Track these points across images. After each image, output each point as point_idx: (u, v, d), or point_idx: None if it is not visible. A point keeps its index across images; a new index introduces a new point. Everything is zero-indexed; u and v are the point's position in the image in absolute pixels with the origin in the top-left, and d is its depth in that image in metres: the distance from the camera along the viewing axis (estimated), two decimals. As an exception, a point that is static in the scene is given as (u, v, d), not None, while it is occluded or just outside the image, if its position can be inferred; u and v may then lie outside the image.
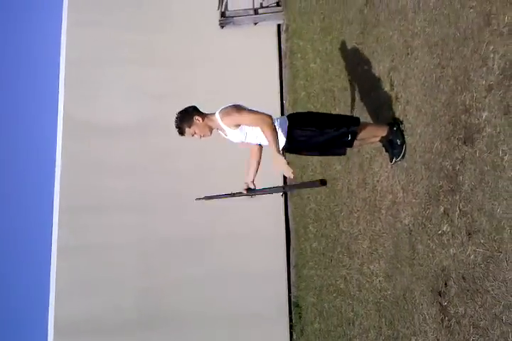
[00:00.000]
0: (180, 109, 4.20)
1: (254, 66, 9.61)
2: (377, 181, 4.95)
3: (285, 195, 8.92)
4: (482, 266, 3.17)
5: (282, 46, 9.86)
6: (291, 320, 8.58)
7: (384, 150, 4.59)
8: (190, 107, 4.22)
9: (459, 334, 3.39)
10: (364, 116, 5.38)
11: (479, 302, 3.17)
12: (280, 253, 8.91)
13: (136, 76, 9.33)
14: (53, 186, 8.80)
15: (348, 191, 5.79)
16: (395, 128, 4.33)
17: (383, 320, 4.66)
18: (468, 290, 3.30)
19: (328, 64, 6.92)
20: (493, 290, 3.06)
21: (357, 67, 5.73)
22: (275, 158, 3.70)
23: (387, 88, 4.82)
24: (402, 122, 4.32)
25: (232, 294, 8.61)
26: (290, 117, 4.13)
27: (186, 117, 4.16)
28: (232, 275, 8.61)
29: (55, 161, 8.90)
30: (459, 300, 3.39)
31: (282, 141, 3.98)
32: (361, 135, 4.15)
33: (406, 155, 4.32)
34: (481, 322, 3.14)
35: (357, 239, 5.42)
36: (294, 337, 8.41)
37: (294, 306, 8.43)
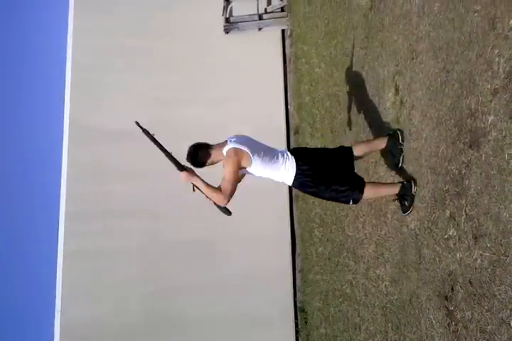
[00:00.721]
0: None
1: (259, 71, 9.64)
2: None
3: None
4: (489, 270, 3.15)
5: (287, 51, 9.89)
6: (296, 325, 8.56)
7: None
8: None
9: (465, 339, 3.37)
10: (368, 122, 5.39)
11: (486, 307, 3.16)
12: (285, 257, 8.90)
13: (142, 81, 9.38)
14: (59, 191, 8.84)
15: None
16: (405, 183, 4.26)
17: (389, 324, 4.64)
18: (475, 295, 3.28)
19: (332, 68, 6.94)
20: (500, 294, 3.04)
21: (361, 71, 5.74)
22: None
23: (392, 92, 4.83)
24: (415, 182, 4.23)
25: (237, 299, 8.60)
26: (299, 166, 4.01)
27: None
28: (237, 280, 8.60)
29: (61, 166, 8.94)
30: (466, 305, 3.38)
31: (290, 180, 4.04)
32: (371, 196, 4.28)
33: (412, 160, 4.32)
34: (488, 327, 3.13)
35: (363, 244, 5.41)
36: (300, 342, 8.39)
37: (299, 311, 8.40)
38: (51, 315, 8.45)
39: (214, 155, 4.03)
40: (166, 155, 4.12)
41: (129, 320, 8.44)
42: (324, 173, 4.00)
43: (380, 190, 4.26)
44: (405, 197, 4.22)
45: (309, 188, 4.07)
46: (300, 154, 4.08)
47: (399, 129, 4.47)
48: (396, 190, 4.24)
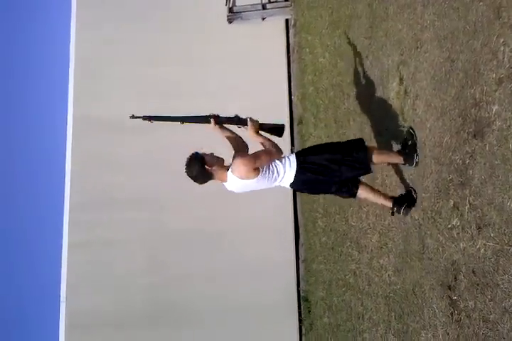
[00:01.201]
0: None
1: (262, 61, 9.62)
2: (387, 175, 4.95)
3: None
4: (492, 259, 3.16)
5: (290, 41, 9.85)
6: (300, 314, 8.62)
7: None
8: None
9: (468, 328, 3.39)
10: (372, 112, 5.38)
11: (489, 296, 3.17)
12: (289, 247, 8.93)
13: (145, 73, 9.37)
14: (64, 182, 8.88)
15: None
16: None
17: (393, 314, 4.67)
18: (478, 284, 3.29)
19: (336, 58, 6.91)
20: (503, 284, 3.05)
21: (366, 61, 5.71)
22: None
23: (396, 82, 4.81)
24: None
25: (241, 288, 8.65)
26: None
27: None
28: (241, 270, 8.65)
29: (65, 158, 8.97)
30: (469, 294, 3.39)
31: (289, 181, 3.97)
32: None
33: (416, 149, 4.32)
34: (491, 316, 3.14)
35: (366, 234, 5.43)
36: (303, 331, 8.44)
37: (303, 300, 8.45)
38: (56, 305, 8.54)
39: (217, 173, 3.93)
40: (184, 121, 4.26)
41: (133, 310, 8.51)
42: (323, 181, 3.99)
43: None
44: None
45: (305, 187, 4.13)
46: (304, 154, 4.08)
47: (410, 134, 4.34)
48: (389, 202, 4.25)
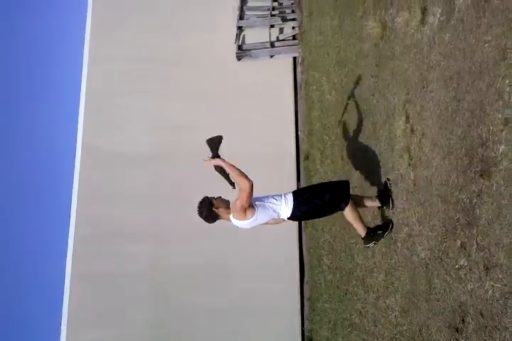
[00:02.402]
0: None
1: (270, 97, 9.74)
2: (393, 213, 4.90)
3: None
4: (500, 301, 3.09)
5: (298, 78, 9.99)
6: (304, 354, 8.42)
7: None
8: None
9: (477, 372, 3.29)
10: (379, 149, 5.39)
11: (497, 340, 3.09)
12: (293, 285, 8.80)
13: (155, 107, 9.50)
14: (69, 214, 8.87)
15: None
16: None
17: (399, 356, 4.55)
18: (486, 327, 3.21)
19: (343, 96, 6.98)
20: (511, 326, 2.98)
21: (372, 99, 5.77)
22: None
23: (402, 120, 4.84)
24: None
25: (244, 326, 8.49)
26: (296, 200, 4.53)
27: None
28: (244, 307, 8.51)
29: (72, 189, 9.00)
30: (477, 337, 3.30)
31: (287, 213, 4.50)
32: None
33: (423, 188, 4.30)
34: (501, 361, 3.05)
35: (372, 272, 5.34)
36: (307, 372, 8.22)
37: (307, 340, 8.26)
38: (56, 338, 8.39)
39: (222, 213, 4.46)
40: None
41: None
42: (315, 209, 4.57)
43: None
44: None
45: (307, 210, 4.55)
46: (298, 191, 4.71)
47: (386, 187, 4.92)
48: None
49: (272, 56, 10.03)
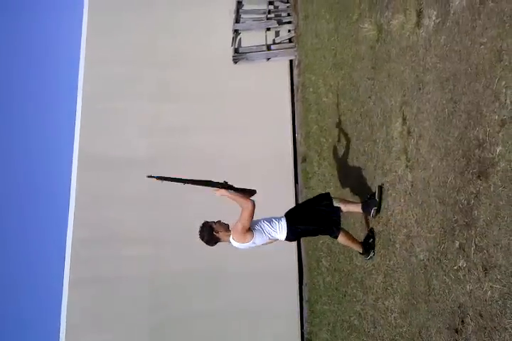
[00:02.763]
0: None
1: (267, 100, 9.76)
2: (391, 215, 4.92)
3: None
4: (499, 302, 3.10)
5: (294, 81, 10.01)
6: (303, 357, 8.41)
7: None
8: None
9: (477, 373, 3.30)
10: (376, 151, 5.40)
11: (497, 340, 3.10)
12: (292, 287, 8.80)
13: (151, 110, 9.51)
14: (67, 218, 8.86)
15: (361, 225, 5.75)
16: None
17: (399, 357, 4.55)
18: (485, 328, 3.22)
19: (340, 98, 7.00)
20: (511, 327, 2.98)
21: (369, 101, 5.79)
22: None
23: (399, 122, 4.85)
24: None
25: (243, 330, 8.48)
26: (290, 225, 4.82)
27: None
28: (243, 310, 8.51)
29: (69, 193, 8.99)
30: (477, 338, 3.31)
31: (283, 237, 4.80)
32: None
33: (420, 190, 4.32)
34: (500, 361, 3.06)
35: (371, 274, 5.35)
36: (307, 374, 8.21)
37: (306, 342, 8.26)
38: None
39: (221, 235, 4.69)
40: (200, 184, 4.73)
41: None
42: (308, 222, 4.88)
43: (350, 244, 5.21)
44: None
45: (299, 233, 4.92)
46: (290, 215, 4.92)
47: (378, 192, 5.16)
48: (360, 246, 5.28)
49: (268, 59, 10.05)
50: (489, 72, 3.41)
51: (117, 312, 8.45)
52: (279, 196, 9.14)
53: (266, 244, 4.84)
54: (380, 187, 5.13)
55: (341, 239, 5.01)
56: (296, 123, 9.79)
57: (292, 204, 9.32)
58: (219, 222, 4.69)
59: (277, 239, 4.84)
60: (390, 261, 4.88)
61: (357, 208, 5.19)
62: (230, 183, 4.65)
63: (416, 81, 4.57)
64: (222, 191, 4.58)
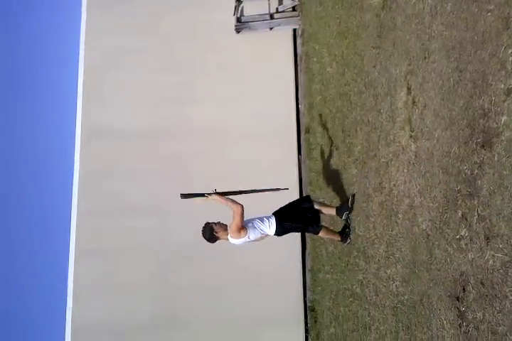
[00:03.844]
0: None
1: (270, 70, 9.66)
2: (394, 185, 4.93)
3: None
4: (501, 271, 3.14)
5: (298, 50, 9.88)
6: (306, 324, 8.56)
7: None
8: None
9: (476, 339, 3.36)
10: (380, 122, 5.38)
11: (498, 308, 3.14)
12: (296, 257, 8.90)
13: (153, 81, 9.43)
14: (71, 190, 8.91)
15: (364, 195, 5.78)
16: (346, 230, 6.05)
17: (400, 325, 4.64)
18: (486, 296, 3.27)
19: (344, 68, 6.93)
20: (511, 295, 3.03)
21: (373, 71, 5.72)
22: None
23: (404, 92, 4.81)
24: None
25: (247, 298, 8.62)
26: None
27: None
28: (247, 280, 8.62)
29: (73, 165, 9.01)
30: (478, 306, 3.36)
31: (272, 232, 5.56)
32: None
33: (424, 160, 4.31)
34: (500, 328, 3.11)
35: (373, 244, 5.40)
36: (310, 341, 8.38)
37: (309, 310, 8.40)
38: (62, 312, 8.53)
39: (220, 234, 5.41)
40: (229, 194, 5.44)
41: (139, 319, 8.49)
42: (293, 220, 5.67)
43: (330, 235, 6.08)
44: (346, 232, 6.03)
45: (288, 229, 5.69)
46: (278, 213, 5.66)
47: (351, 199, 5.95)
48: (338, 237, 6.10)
49: (271, 28, 9.90)
50: (496, 40, 3.35)
51: (122, 282, 8.58)
52: (282, 167, 9.16)
53: (258, 239, 5.56)
54: (353, 196, 5.98)
55: (322, 234, 5.87)
56: (299, 94, 9.72)
57: (295, 175, 9.38)
58: (219, 223, 5.39)
59: (268, 235, 5.57)
60: (392, 231, 4.92)
61: (332, 211, 6.05)
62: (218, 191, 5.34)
63: (421, 49, 4.51)
64: (214, 196, 5.31)
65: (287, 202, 5.96)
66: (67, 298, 8.54)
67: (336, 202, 6.85)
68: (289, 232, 5.76)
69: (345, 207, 6.00)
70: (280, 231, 5.58)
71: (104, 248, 8.66)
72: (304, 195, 8.71)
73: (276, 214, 5.66)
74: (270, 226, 5.50)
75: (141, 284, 8.61)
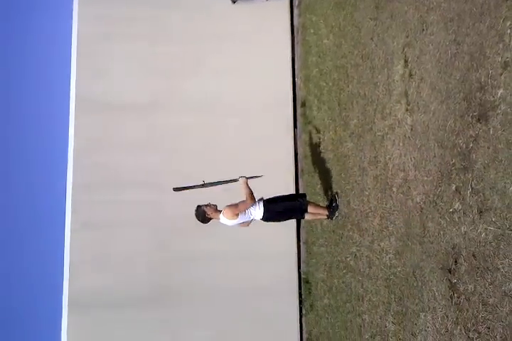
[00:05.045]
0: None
1: (266, 42, 9.52)
2: (389, 159, 4.94)
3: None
4: (493, 243, 3.17)
5: (295, 22, 9.73)
6: (300, 295, 8.69)
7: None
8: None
9: (467, 310, 3.42)
10: (376, 95, 5.34)
11: (489, 280, 3.19)
12: (290, 229, 8.96)
13: (147, 52, 9.29)
14: (66, 163, 8.87)
15: (359, 169, 5.79)
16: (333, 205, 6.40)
17: (392, 296, 4.71)
18: (478, 268, 3.31)
19: (341, 40, 6.84)
20: (503, 268, 3.07)
21: (371, 43, 5.65)
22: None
23: (401, 65, 4.77)
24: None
25: (242, 270, 8.70)
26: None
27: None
28: (242, 252, 8.69)
29: (67, 137, 8.95)
30: (469, 278, 3.41)
31: (260, 215, 5.90)
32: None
33: (420, 134, 4.31)
34: (490, 300, 3.17)
35: (367, 217, 5.44)
36: (303, 311, 8.52)
37: (303, 282, 8.52)
38: (59, 284, 8.61)
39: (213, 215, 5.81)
40: (218, 184, 6.11)
41: (135, 290, 8.58)
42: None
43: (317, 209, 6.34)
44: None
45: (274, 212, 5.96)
46: (268, 200, 5.95)
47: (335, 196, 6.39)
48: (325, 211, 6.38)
49: (267, -2, 9.72)
50: (494, 12, 3.31)
51: (118, 254, 8.63)
52: (277, 141, 9.13)
53: (245, 224, 5.97)
54: (336, 194, 6.42)
55: (310, 210, 6.11)
56: (295, 67, 9.61)
57: (291, 150, 9.36)
58: (209, 204, 5.78)
59: (254, 219, 5.90)
60: (386, 204, 4.95)
61: (323, 212, 6.35)
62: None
63: (419, 21, 4.45)
64: (242, 181, 5.81)
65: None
66: (64, 270, 8.61)
67: (330, 176, 6.88)
68: (277, 217, 6.08)
69: (334, 208, 6.35)
70: (267, 216, 5.89)
71: (101, 221, 8.69)
72: (300, 178, 8.94)
73: (266, 200, 5.96)
74: (259, 210, 5.82)
75: (137, 256, 8.67)
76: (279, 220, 6.22)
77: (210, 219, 5.82)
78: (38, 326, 10.30)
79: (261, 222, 6.07)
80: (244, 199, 5.76)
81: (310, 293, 8.01)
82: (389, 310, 4.78)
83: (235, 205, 5.76)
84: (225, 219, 5.78)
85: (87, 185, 8.70)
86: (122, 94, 9.13)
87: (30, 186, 11.14)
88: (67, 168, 8.86)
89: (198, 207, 5.81)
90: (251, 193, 5.80)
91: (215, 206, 5.83)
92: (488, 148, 3.27)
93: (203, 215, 5.77)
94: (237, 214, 5.73)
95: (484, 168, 3.30)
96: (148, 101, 9.12)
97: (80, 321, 8.38)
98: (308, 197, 8.03)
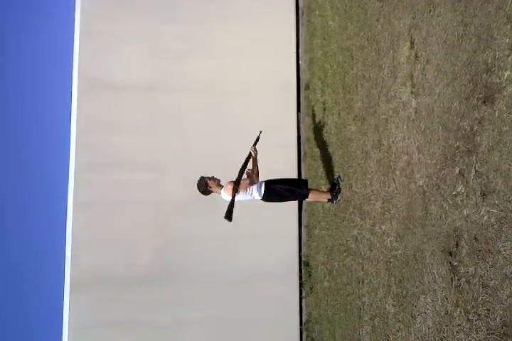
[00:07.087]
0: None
1: (270, 23, 9.43)
2: (393, 142, 4.91)
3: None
4: (495, 226, 3.16)
5: (300, 3, 9.62)
6: (300, 278, 8.74)
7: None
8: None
9: (468, 293, 3.43)
10: (381, 77, 5.30)
11: (490, 263, 3.19)
12: (292, 213, 8.98)
13: (151, 32, 9.22)
14: (69, 143, 8.87)
15: (362, 152, 5.77)
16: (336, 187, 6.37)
17: (393, 278, 4.73)
18: (479, 251, 3.31)
19: (346, 22, 6.76)
20: (505, 250, 3.06)
21: (376, 24, 5.59)
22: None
23: (407, 46, 4.71)
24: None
25: (243, 252, 8.75)
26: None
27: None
28: (244, 234, 8.72)
29: (70, 118, 8.93)
30: (470, 260, 3.41)
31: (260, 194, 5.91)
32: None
33: (424, 116, 4.28)
34: (491, 282, 3.17)
35: (369, 200, 5.43)
36: (304, 294, 8.58)
37: (304, 265, 8.56)
38: (61, 263, 8.67)
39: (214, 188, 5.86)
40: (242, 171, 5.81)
41: (136, 271, 8.64)
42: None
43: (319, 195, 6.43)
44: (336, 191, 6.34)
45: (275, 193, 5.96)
46: (270, 181, 5.97)
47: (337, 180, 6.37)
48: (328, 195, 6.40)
49: (273, -21, 9.60)
50: (504, -8, 3.25)
51: (119, 234, 8.67)
52: (280, 124, 9.09)
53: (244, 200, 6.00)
54: (339, 177, 6.38)
55: (311, 196, 6.15)
56: (300, 49, 9.53)
57: (294, 133, 9.32)
58: (213, 177, 5.82)
59: (255, 198, 5.91)
60: (389, 188, 4.94)
61: (326, 196, 6.39)
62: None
63: (426, 2, 4.38)
64: (252, 149, 5.81)
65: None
66: (66, 251, 8.65)
67: (333, 160, 6.86)
68: (277, 197, 6.03)
69: (337, 191, 6.33)
70: (266, 196, 5.89)
71: (103, 200, 8.71)
72: (302, 160, 8.93)
73: (267, 181, 5.96)
74: (259, 190, 5.85)
75: (139, 237, 8.71)
76: (279, 200, 6.21)
77: (211, 192, 5.88)
78: (39, 305, 10.40)
79: (262, 203, 6.07)
80: (253, 173, 5.80)
81: (310, 275, 8.05)
82: (389, 293, 4.80)
83: (233, 181, 5.76)
84: (225, 194, 5.80)
85: (89, 165, 8.70)
86: (125, 73, 9.08)
87: (33, 165, 11.15)
88: (69, 148, 8.86)
89: (202, 178, 5.86)
90: (258, 172, 5.85)
91: (219, 180, 5.88)
92: (493, 130, 3.24)
93: (204, 187, 5.82)
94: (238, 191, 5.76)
95: (488, 150, 3.28)
96: (151, 81, 9.08)
97: (82, 300, 8.45)
98: (310, 181, 8.03)
